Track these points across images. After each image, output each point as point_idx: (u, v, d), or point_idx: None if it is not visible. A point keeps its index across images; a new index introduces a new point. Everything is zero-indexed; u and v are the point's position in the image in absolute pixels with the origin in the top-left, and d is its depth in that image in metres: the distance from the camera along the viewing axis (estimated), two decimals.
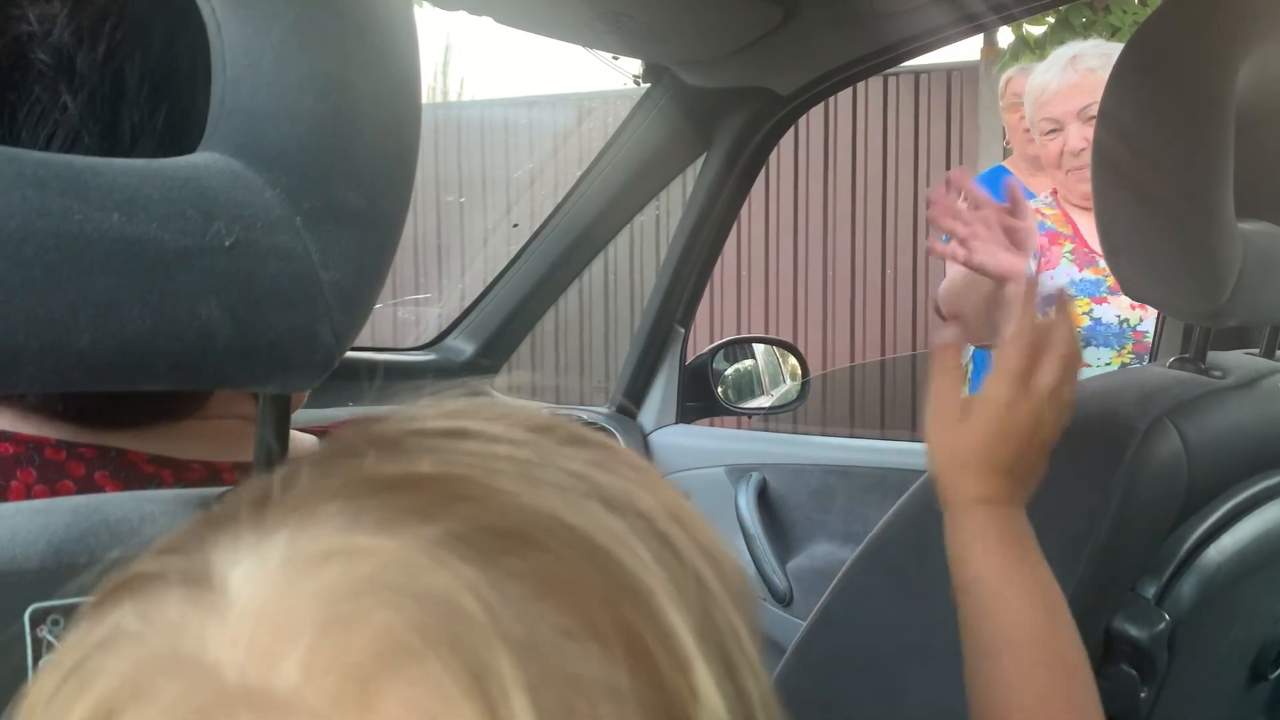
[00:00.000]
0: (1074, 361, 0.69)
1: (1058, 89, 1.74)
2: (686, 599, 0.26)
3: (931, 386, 0.70)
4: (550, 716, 0.23)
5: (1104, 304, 1.69)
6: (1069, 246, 1.75)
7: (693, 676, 0.25)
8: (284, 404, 0.43)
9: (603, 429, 1.92)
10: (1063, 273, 1.73)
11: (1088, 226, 1.78)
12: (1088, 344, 1.69)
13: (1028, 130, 2.39)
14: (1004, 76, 2.52)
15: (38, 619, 0.36)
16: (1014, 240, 1.41)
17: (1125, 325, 1.67)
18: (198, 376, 0.40)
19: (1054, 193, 1.85)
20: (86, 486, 0.47)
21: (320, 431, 0.58)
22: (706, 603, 0.27)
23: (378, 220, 0.43)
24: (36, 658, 0.36)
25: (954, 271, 1.76)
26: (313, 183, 0.41)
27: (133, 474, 0.48)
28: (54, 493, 0.46)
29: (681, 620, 0.25)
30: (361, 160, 0.42)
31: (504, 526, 0.25)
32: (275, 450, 0.43)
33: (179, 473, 0.49)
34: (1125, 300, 1.67)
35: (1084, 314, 1.69)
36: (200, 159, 0.41)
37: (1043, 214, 1.81)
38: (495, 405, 0.31)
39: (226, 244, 0.39)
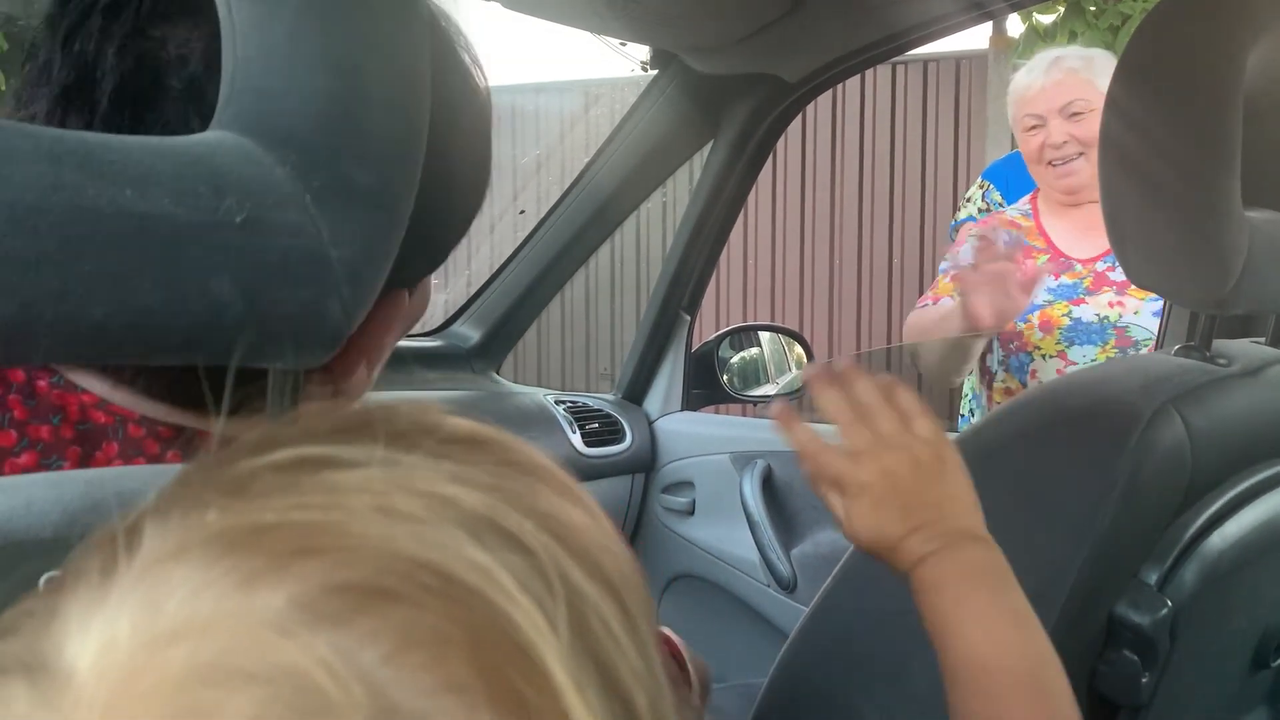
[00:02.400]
0: (904, 394, 0.68)
1: (1042, 87, 1.79)
2: (555, 623, 0.25)
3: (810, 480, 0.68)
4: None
5: (1081, 304, 1.72)
6: (1043, 259, 1.78)
7: (564, 705, 0.24)
8: (295, 380, 0.43)
9: (608, 415, 1.93)
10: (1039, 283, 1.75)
11: (1065, 227, 1.80)
12: (1072, 343, 1.72)
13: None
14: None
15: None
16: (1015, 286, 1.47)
17: (1105, 322, 1.70)
18: (209, 351, 0.40)
19: (1032, 200, 1.87)
20: (159, 464, 0.48)
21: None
22: (583, 615, 0.26)
23: (386, 199, 0.43)
24: None
25: (929, 312, 1.79)
26: (322, 161, 0.41)
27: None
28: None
29: (553, 651, 0.25)
30: (371, 140, 0.43)
31: (356, 582, 0.24)
32: None
33: None
34: (1103, 299, 1.70)
35: (1063, 315, 1.72)
36: (211, 137, 0.41)
37: (1018, 225, 1.84)
38: (360, 413, 0.30)
39: (237, 220, 0.39)
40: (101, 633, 0.24)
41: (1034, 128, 1.81)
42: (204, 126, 0.44)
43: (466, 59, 0.57)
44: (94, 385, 0.50)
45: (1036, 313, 1.74)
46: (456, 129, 0.56)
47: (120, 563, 0.26)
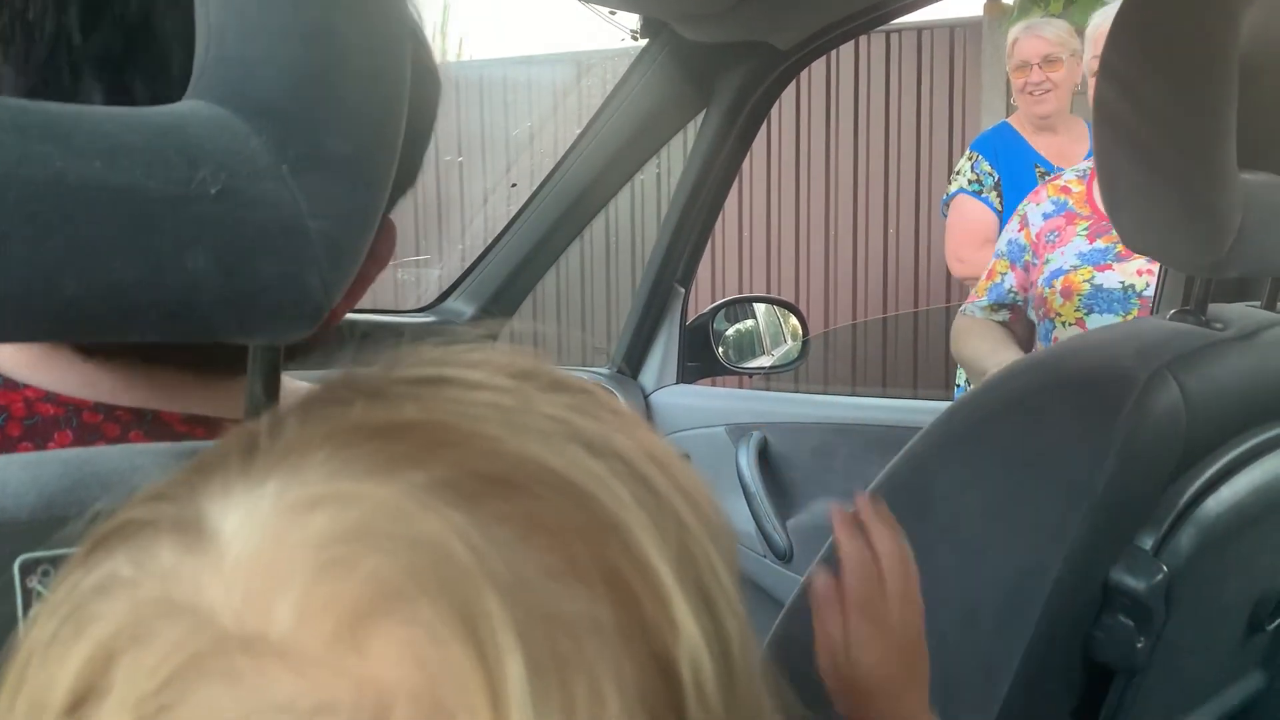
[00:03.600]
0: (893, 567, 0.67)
1: None
2: (665, 537, 0.26)
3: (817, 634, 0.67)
4: (537, 654, 0.23)
5: (1107, 270, 1.67)
6: (1084, 226, 1.74)
7: (672, 610, 0.26)
8: (274, 356, 0.43)
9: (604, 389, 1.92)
10: (1073, 248, 1.73)
11: None
12: (1091, 310, 1.68)
13: (1031, 91, 2.39)
14: (1010, 37, 2.50)
15: (28, 569, 0.36)
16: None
17: (1130, 291, 1.66)
18: (186, 327, 0.39)
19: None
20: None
21: None
22: (685, 540, 0.27)
23: (366, 169, 0.42)
24: (26, 607, 0.36)
25: (982, 337, 1.83)
26: (299, 130, 0.41)
27: (166, 434, 0.49)
28: None
29: (660, 556, 0.26)
30: (349, 108, 0.42)
31: (488, 471, 0.26)
32: (264, 402, 0.43)
33: (212, 431, 0.50)
34: (1131, 266, 1.65)
35: (1085, 281, 1.68)
36: (185, 107, 0.40)
37: (1068, 190, 1.80)
38: (475, 351, 0.32)
39: (212, 192, 0.39)
40: (245, 498, 0.26)
41: None
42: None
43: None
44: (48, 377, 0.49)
45: (1061, 278, 1.70)
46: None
47: (262, 445, 0.27)
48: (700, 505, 0.29)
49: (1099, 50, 1.78)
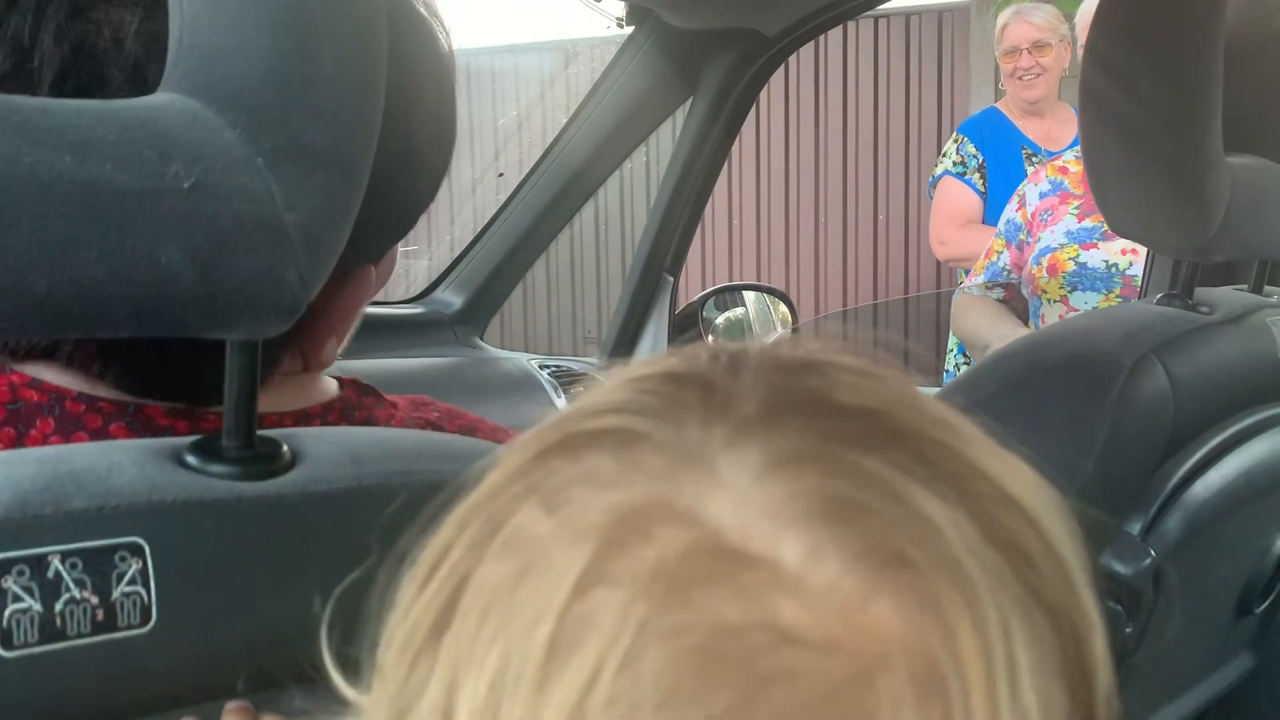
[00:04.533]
0: None
1: None
2: (1085, 573, 0.28)
3: None
4: (1020, 645, 0.25)
5: (1093, 249, 1.69)
6: (1075, 205, 1.76)
7: (1095, 643, 0.28)
8: (252, 351, 0.42)
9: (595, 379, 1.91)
10: (1063, 227, 1.75)
11: None
12: (1074, 289, 1.70)
13: (1020, 75, 2.39)
14: (999, 23, 2.49)
15: (4, 569, 0.36)
16: None
17: (1113, 269, 1.68)
18: (161, 323, 0.39)
19: None
20: (101, 439, 0.47)
21: (336, 379, 0.57)
22: (1090, 578, 0.29)
23: (342, 160, 0.42)
24: (2, 608, 0.35)
25: (984, 312, 1.87)
26: (274, 122, 0.40)
27: (148, 426, 0.48)
28: (68, 444, 0.46)
29: (1086, 591, 0.28)
30: (324, 99, 0.41)
31: (959, 474, 0.27)
32: (244, 399, 0.42)
33: (194, 424, 0.49)
34: (1116, 245, 1.67)
35: (1070, 260, 1.70)
36: (157, 99, 0.40)
37: (1066, 170, 1.81)
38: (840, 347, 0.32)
39: (185, 186, 0.38)
40: (730, 439, 0.27)
41: None
42: None
43: (427, 16, 0.56)
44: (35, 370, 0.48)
45: (1048, 255, 1.72)
46: (419, 90, 0.54)
47: (729, 391, 0.28)
48: (1078, 540, 0.29)
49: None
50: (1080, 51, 1.90)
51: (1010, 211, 1.87)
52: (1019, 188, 1.90)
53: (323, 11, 0.42)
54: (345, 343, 0.59)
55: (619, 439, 0.27)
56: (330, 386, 0.56)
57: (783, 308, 2.21)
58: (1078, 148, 1.90)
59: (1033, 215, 1.81)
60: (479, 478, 0.29)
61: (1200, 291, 0.92)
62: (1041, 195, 1.81)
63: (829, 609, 0.24)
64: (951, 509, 0.26)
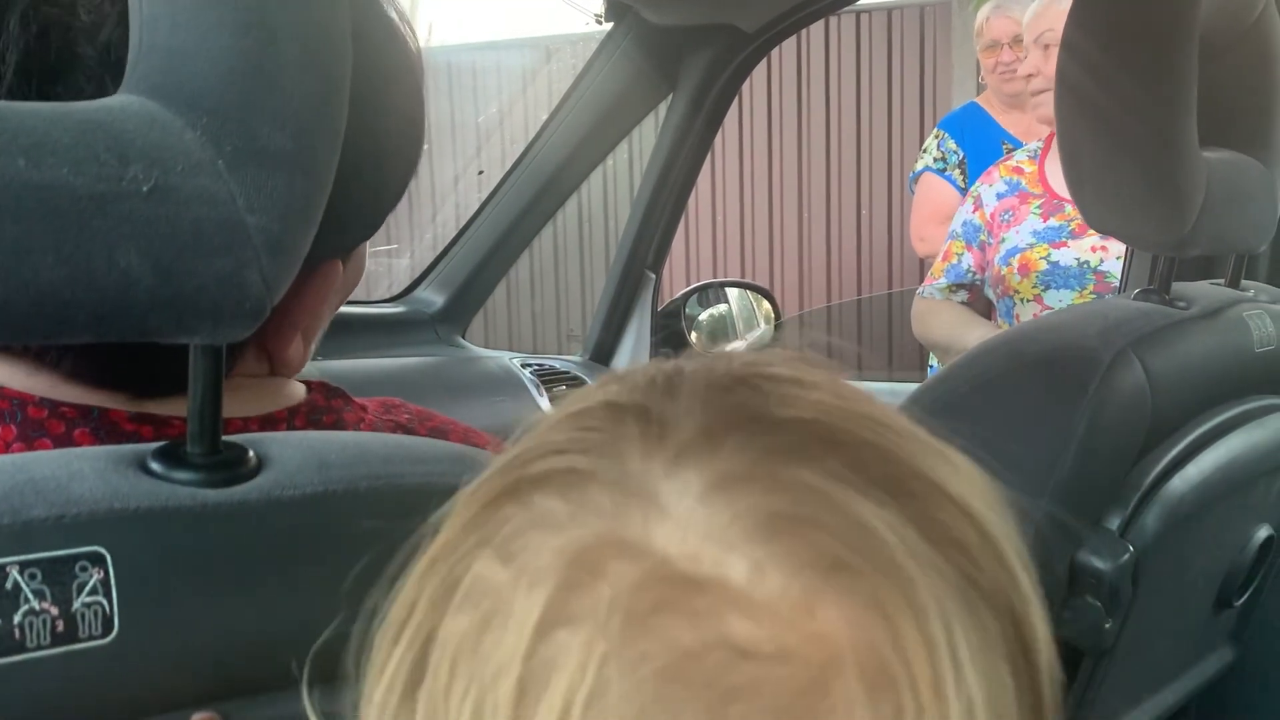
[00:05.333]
0: None
1: (1059, 11, 1.81)
2: (1022, 560, 0.29)
3: None
4: (962, 637, 0.26)
5: (1063, 248, 1.71)
6: (1037, 204, 1.78)
7: (1038, 631, 0.28)
8: (215, 355, 0.42)
9: (575, 376, 1.91)
10: (1028, 227, 1.76)
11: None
12: (1048, 287, 1.71)
13: (1002, 70, 2.39)
14: (980, 17, 2.49)
15: None
16: None
17: (1085, 267, 1.69)
18: (121, 328, 0.38)
19: (1047, 141, 1.85)
20: (65, 444, 0.46)
21: (304, 382, 0.57)
22: (1026, 559, 0.30)
23: (305, 161, 0.41)
24: None
25: (942, 314, 1.89)
26: (235, 123, 0.39)
27: (113, 432, 0.48)
28: (31, 450, 0.46)
29: (1023, 573, 0.29)
30: (286, 99, 0.40)
31: (892, 475, 0.28)
32: (208, 404, 0.42)
33: (159, 429, 0.48)
34: (1085, 243, 1.69)
35: (1042, 259, 1.72)
36: (115, 101, 0.39)
37: (1020, 170, 1.83)
38: (783, 356, 0.33)
39: (144, 189, 0.37)
40: (670, 464, 0.28)
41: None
42: None
43: (393, 14, 0.55)
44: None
45: (1018, 256, 1.73)
46: (386, 88, 0.53)
47: (666, 417, 0.29)
48: (1011, 522, 0.30)
49: (1035, 35, 1.86)
50: (1028, 52, 1.93)
51: (967, 213, 1.87)
52: (972, 189, 1.91)
53: (284, 12, 0.41)
54: (314, 344, 0.58)
55: (565, 480, 0.28)
56: (297, 390, 0.55)
57: (766, 304, 2.21)
58: (1029, 147, 1.93)
59: (992, 216, 1.82)
60: (437, 529, 0.30)
61: (1178, 286, 0.92)
62: (999, 196, 1.82)
63: (778, 621, 0.25)
64: (887, 511, 0.27)
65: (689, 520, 0.26)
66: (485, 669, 0.27)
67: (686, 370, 0.31)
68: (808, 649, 0.25)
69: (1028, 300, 1.73)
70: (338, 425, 0.54)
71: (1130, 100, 0.83)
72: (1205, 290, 0.96)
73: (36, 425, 0.46)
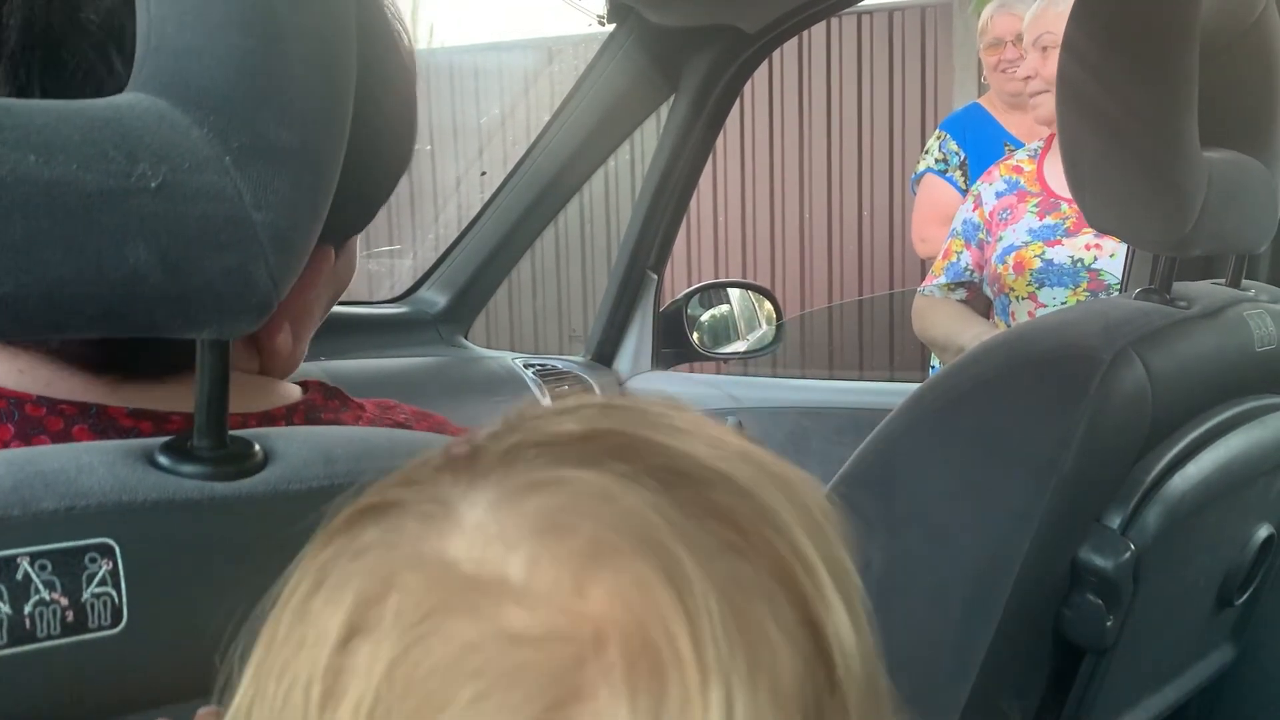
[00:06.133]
0: None
1: (1059, 12, 1.82)
2: (809, 527, 0.31)
3: None
4: (726, 605, 0.27)
5: (1057, 246, 1.72)
6: (1034, 202, 1.79)
7: (823, 589, 0.30)
8: (222, 350, 0.42)
9: (577, 376, 1.92)
10: (1024, 225, 1.77)
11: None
12: (1042, 285, 1.72)
13: (1004, 68, 2.39)
14: (984, 15, 2.49)
15: None
16: None
17: (1079, 265, 1.70)
18: (129, 323, 0.39)
19: (1047, 141, 1.85)
20: (63, 441, 0.46)
21: (300, 383, 0.57)
22: (823, 529, 0.32)
23: (311, 158, 0.41)
24: None
25: (941, 310, 1.90)
26: (241, 120, 0.40)
27: (111, 428, 0.48)
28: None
29: (809, 542, 0.30)
30: (292, 97, 0.41)
31: (669, 467, 0.30)
32: (215, 398, 0.42)
33: (158, 425, 0.49)
34: (1079, 241, 1.70)
35: (1036, 257, 1.73)
36: (124, 99, 0.40)
37: (1020, 169, 1.84)
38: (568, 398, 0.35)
39: (152, 185, 0.38)
40: (474, 483, 0.30)
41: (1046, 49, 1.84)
42: (126, 65, 0.42)
43: (390, 17, 0.56)
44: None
45: (1013, 254, 1.74)
46: (380, 84, 0.54)
47: (485, 446, 0.32)
48: (819, 502, 0.33)
49: (1033, 37, 1.87)
50: (1028, 52, 1.94)
51: (967, 211, 1.89)
52: (973, 187, 1.93)
53: (291, 11, 0.41)
54: (306, 340, 0.58)
55: (383, 510, 0.31)
56: (293, 389, 0.56)
57: (768, 304, 2.21)
58: (1030, 147, 1.94)
59: (991, 214, 1.83)
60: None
61: (1179, 286, 0.92)
62: (998, 195, 1.83)
63: (551, 606, 0.27)
64: (655, 496, 0.29)
65: (477, 528, 0.29)
66: (297, 687, 0.29)
67: (523, 411, 0.34)
68: (574, 628, 0.27)
69: (1022, 298, 1.74)
70: (336, 424, 0.55)
71: (1131, 100, 0.83)
72: (1206, 290, 0.96)
73: (35, 423, 0.47)
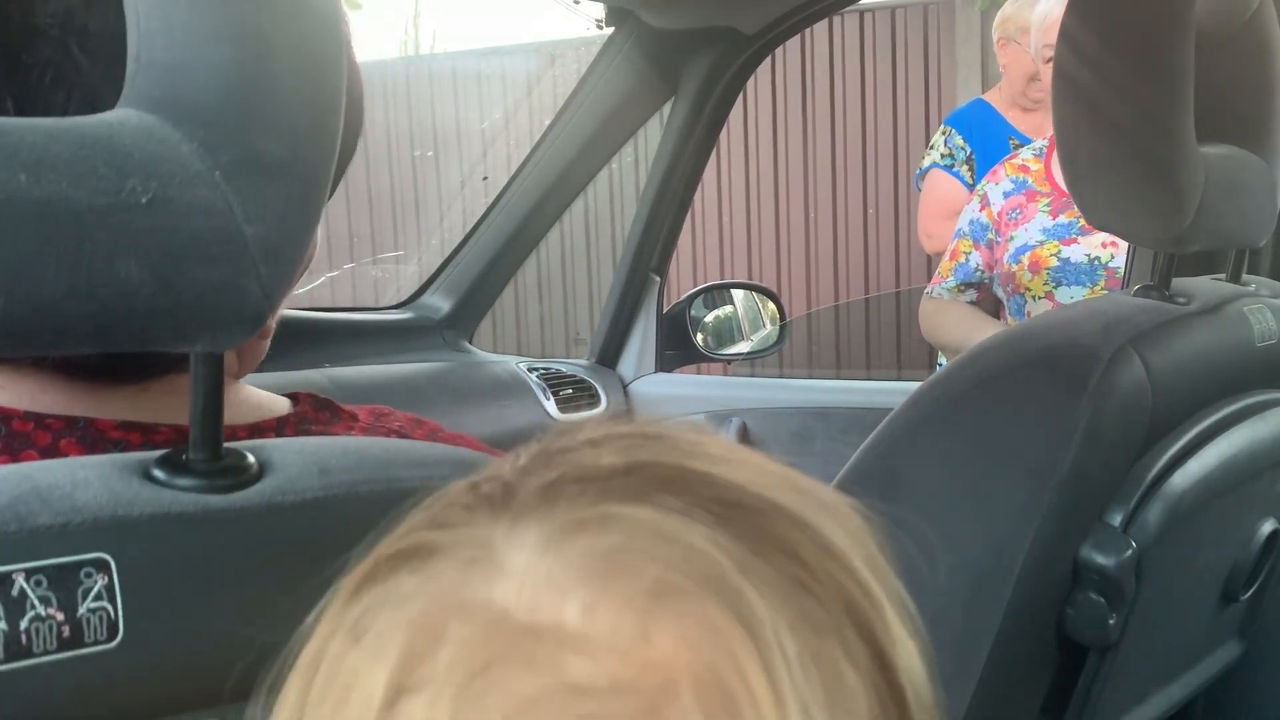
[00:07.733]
0: None
1: (1058, 16, 1.78)
2: (867, 560, 0.30)
3: None
4: (801, 644, 0.26)
5: (1073, 244, 1.70)
6: (1045, 202, 1.77)
7: (889, 622, 0.29)
8: (216, 363, 0.42)
9: (581, 379, 1.92)
10: (1037, 224, 1.75)
11: None
12: (1059, 284, 1.70)
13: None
14: (1001, 12, 2.45)
15: None
16: None
17: (1096, 263, 1.68)
18: (122, 338, 0.39)
19: (1051, 140, 1.84)
20: (51, 456, 0.47)
21: (291, 395, 0.57)
22: (876, 560, 0.31)
23: (301, 171, 0.42)
24: None
25: (951, 313, 1.89)
26: (231, 134, 0.40)
27: (100, 441, 0.48)
28: (17, 462, 0.46)
29: (871, 577, 0.29)
30: (281, 110, 0.41)
31: (722, 499, 0.29)
32: (210, 411, 0.42)
33: (147, 436, 0.49)
34: (1096, 240, 1.68)
35: (1052, 256, 1.71)
36: (113, 116, 0.40)
37: (1027, 169, 1.82)
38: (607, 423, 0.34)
39: (143, 201, 0.38)
40: (514, 523, 0.29)
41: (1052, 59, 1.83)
42: (94, 64, 0.42)
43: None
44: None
45: (1028, 253, 1.73)
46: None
47: (516, 483, 0.30)
48: (864, 527, 0.31)
49: (1050, 38, 1.85)
50: (1040, 54, 1.91)
51: (973, 212, 1.86)
52: (978, 187, 1.90)
53: (280, 24, 0.42)
54: (268, 337, 0.57)
55: (417, 555, 0.29)
56: (280, 403, 0.56)
57: (771, 305, 2.21)
58: (1034, 145, 1.92)
59: (999, 214, 1.81)
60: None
61: (1178, 282, 0.92)
62: (1005, 194, 1.81)
63: (614, 654, 0.26)
64: (716, 533, 0.28)
65: (526, 573, 0.27)
66: None
67: (549, 442, 0.32)
68: (643, 677, 0.26)
69: (1039, 297, 1.72)
70: (328, 435, 0.55)
71: (1127, 96, 0.83)
72: (1205, 285, 0.96)
73: (22, 438, 0.47)
